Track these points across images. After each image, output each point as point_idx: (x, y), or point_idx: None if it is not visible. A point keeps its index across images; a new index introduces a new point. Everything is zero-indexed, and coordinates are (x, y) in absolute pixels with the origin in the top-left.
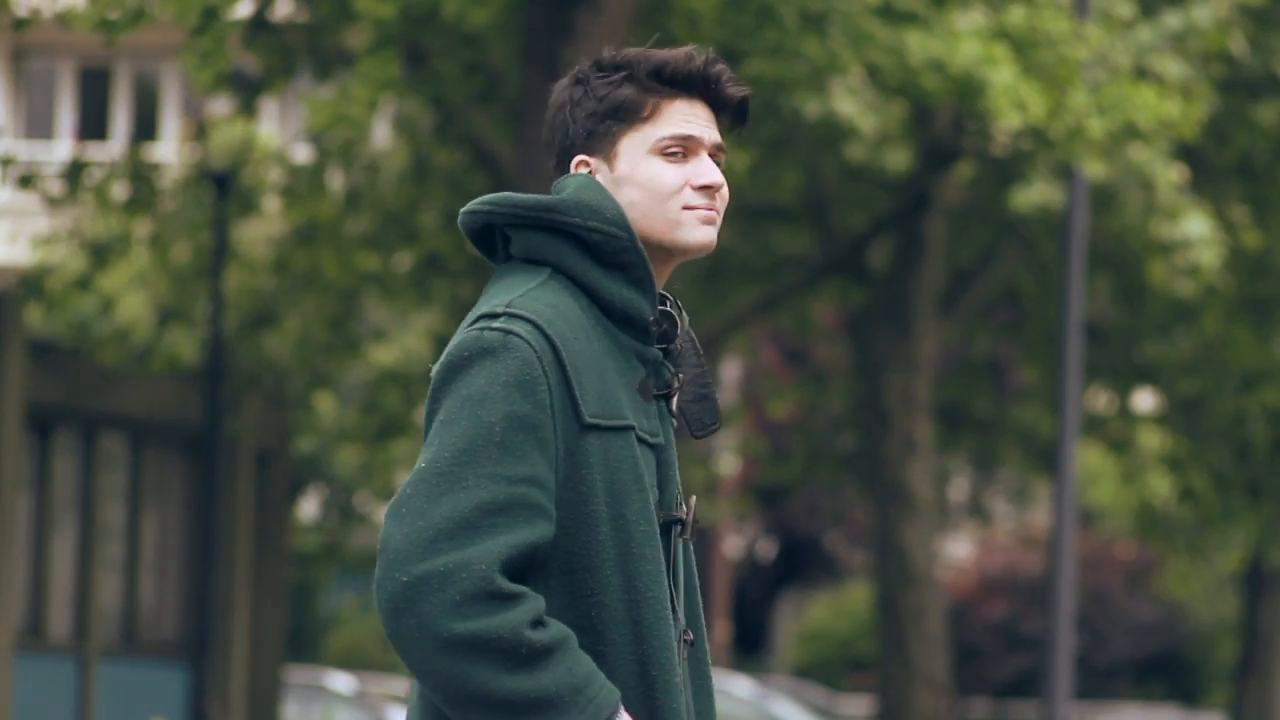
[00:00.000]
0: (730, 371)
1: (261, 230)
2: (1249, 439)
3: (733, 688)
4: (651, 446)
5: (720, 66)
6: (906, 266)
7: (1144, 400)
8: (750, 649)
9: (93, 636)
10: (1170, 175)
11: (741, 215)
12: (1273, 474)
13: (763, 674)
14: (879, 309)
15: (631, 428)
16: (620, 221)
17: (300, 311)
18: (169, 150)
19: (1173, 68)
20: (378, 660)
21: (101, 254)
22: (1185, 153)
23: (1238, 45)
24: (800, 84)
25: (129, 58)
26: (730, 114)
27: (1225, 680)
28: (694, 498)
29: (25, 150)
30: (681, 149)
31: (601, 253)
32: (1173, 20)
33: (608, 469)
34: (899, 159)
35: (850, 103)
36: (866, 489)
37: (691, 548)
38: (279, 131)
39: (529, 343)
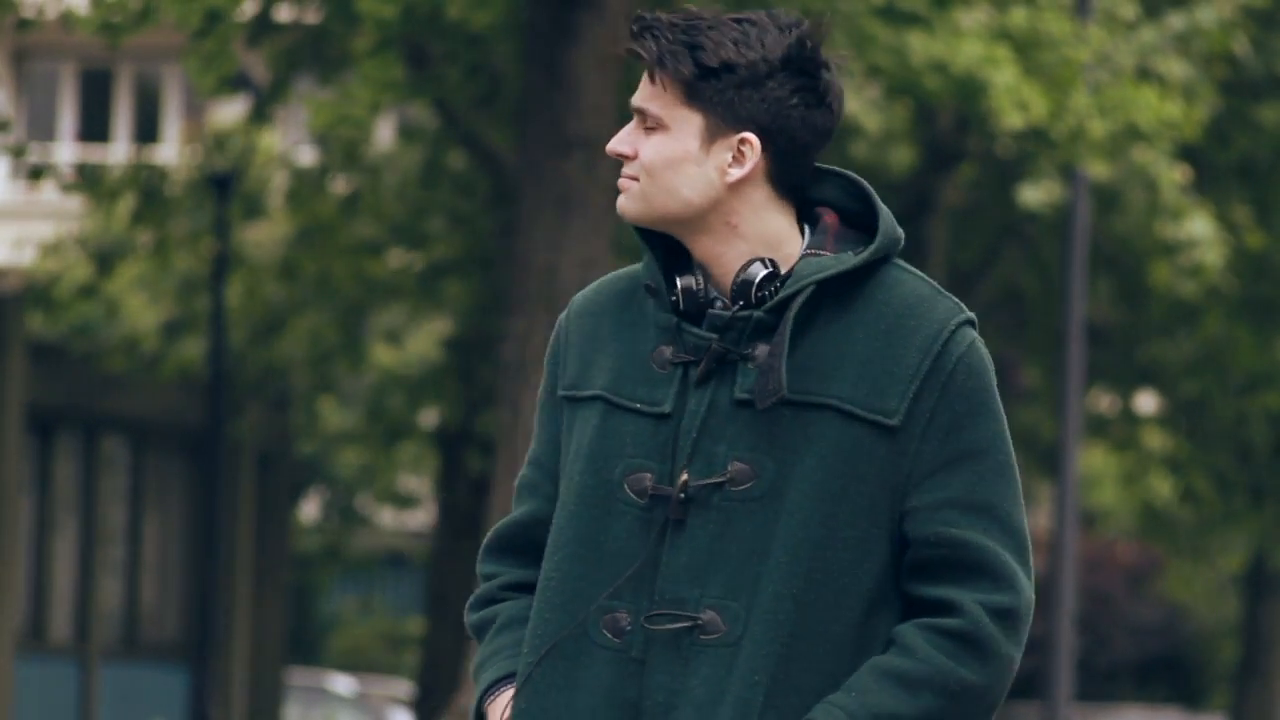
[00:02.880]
0: None
1: (266, 234)
2: (1251, 441)
3: None
4: (651, 416)
5: (640, 27)
6: None
7: (1146, 402)
8: None
9: (94, 638)
10: (1174, 175)
11: None
12: (1274, 476)
13: None
14: None
15: (598, 397)
16: None
17: (309, 317)
18: (170, 153)
19: (1176, 68)
20: (379, 662)
21: (106, 260)
22: (1187, 154)
23: (1241, 46)
24: None
25: (130, 60)
26: (668, 69)
27: (1227, 682)
28: (685, 475)
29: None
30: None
31: None
32: (1176, 21)
33: (571, 441)
34: (903, 157)
35: (855, 100)
36: None
37: (740, 519)
38: (281, 134)
39: (557, 322)
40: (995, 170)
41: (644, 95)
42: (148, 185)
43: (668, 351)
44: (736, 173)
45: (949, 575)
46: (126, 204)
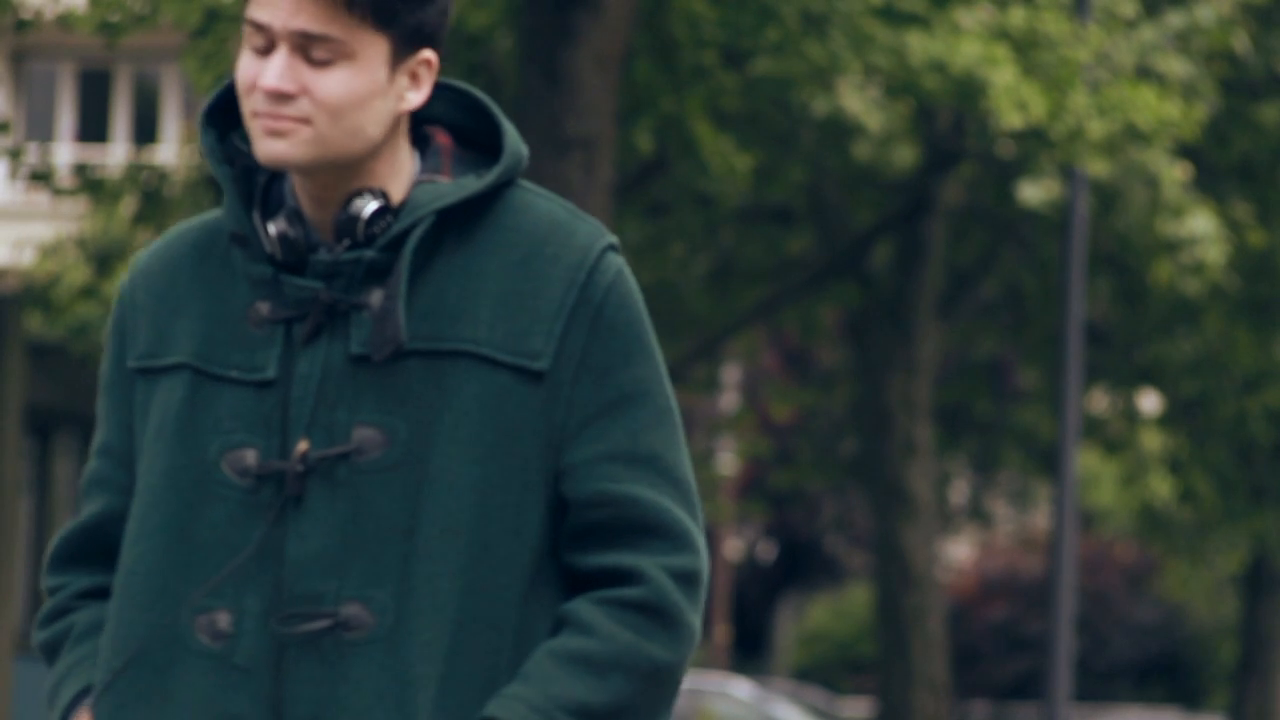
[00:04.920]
0: (731, 374)
1: None
2: (1252, 440)
3: (733, 690)
4: (250, 384)
5: None
6: (907, 268)
7: (1146, 402)
8: (750, 651)
9: None
10: (1175, 173)
11: (745, 217)
12: (1275, 476)
13: (763, 676)
14: (879, 311)
15: (183, 366)
16: (201, 115)
17: None
18: (170, 153)
19: (1176, 66)
20: None
21: (106, 261)
22: (1187, 154)
23: (1241, 44)
24: (806, 82)
25: (129, 60)
26: None
27: (1225, 682)
28: (304, 444)
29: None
30: (263, 40)
31: None
32: (1175, 19)
33: (145, 418)
34: (905, 156)
35: (857, 99)
36: (867, 491)
37: (374, 494)
38: None
39: (118, 291)
40: (994, 170)
41: (313, 17)
42: (148, 186)
43: (264, 308)
44: (415, 99)
45: (621, 539)
46: (128, 205)
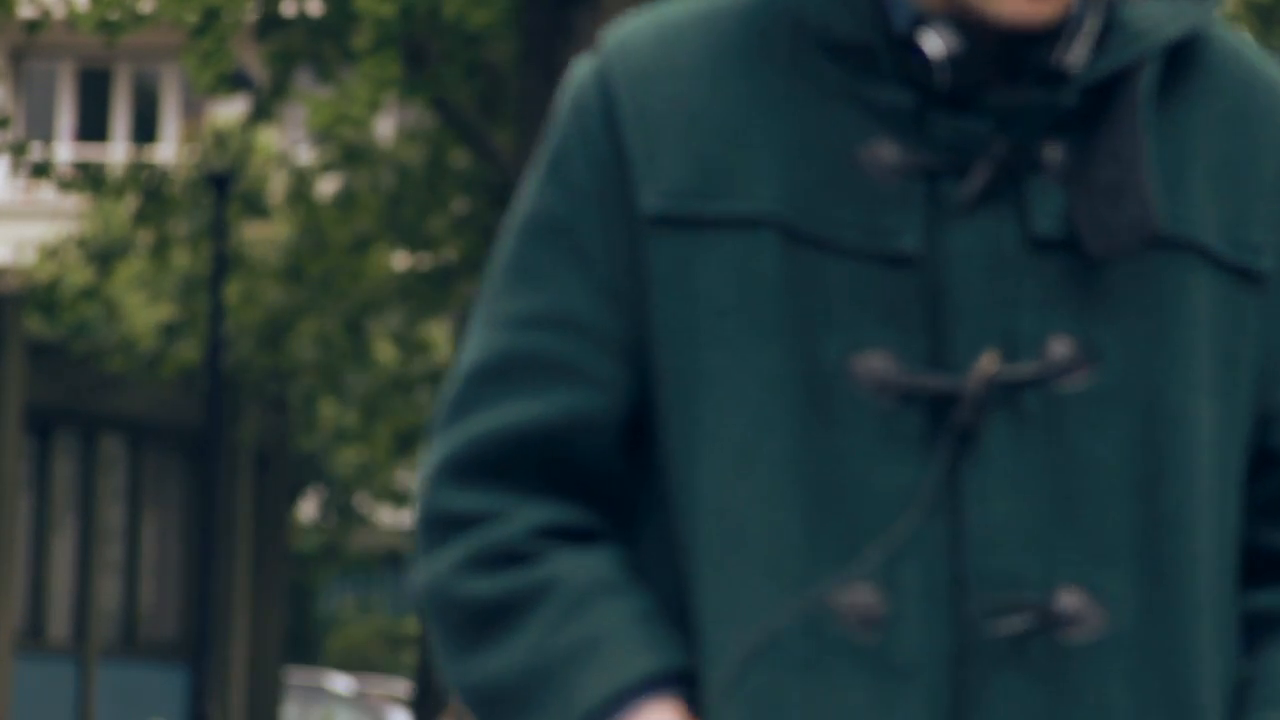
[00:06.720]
0: None
1: (268, 234)
2: None
3: None
4: (877, 258)
5: None
6: None
7: None
8: None
9: (92, 638)
10: None
11: None
12: None
13: None
14: None
15: (761, 221)
16: None
17: (314, 321)
18: (169, 152)
19: None
20: (378, 661)
21: (107, 261)
22: None
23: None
24: None
25: (129, 59)
26: None
27: None
28: (991, 358)
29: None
30: None
31: None
32: None
33: (679, 288)
34: None
35: None
36: None
37: (1082, 434)
38: (280, 133)
39: (578, 91)
40: None
41: None
42: (149, 185)
43: (892, 152)
44: None
45: None
46: (129, 204)
